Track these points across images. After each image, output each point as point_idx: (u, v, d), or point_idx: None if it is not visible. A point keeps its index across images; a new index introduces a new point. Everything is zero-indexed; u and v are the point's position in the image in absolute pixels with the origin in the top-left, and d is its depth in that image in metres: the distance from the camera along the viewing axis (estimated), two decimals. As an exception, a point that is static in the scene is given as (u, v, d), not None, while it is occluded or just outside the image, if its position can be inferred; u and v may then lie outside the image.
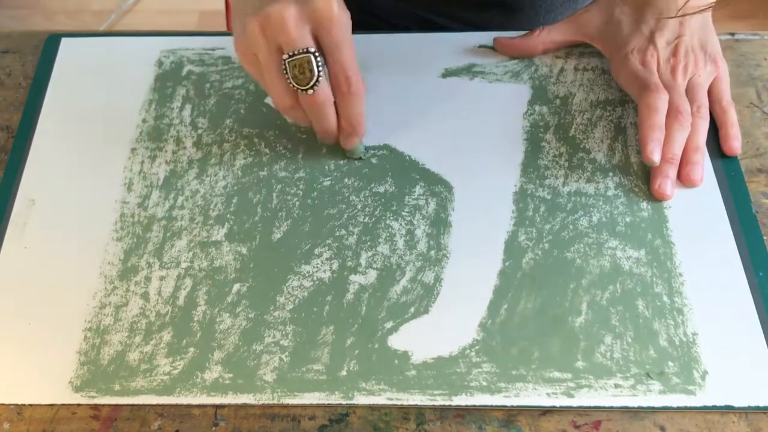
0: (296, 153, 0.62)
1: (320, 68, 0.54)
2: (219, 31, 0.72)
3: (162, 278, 0.56)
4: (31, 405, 0.51)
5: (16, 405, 0.51)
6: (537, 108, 0.64)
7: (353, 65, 0.55)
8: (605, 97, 0.65)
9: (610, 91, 0.65)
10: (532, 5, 0.79)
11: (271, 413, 0.51)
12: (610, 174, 0.60)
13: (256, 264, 0.56)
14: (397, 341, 0.53)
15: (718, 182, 0.60)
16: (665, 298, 0.54)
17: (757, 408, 0.50)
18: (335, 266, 0.56)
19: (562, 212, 0.58)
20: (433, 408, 0.50)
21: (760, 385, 0.50)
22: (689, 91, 0.61)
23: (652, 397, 0.50)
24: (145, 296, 0.55)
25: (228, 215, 0.59)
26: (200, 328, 0.53)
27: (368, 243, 0.57)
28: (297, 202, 0.59)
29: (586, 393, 0.50)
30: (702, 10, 0.57)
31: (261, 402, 0.50)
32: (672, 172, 0.59)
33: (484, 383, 0.51)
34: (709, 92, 0.63)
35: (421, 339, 0.53)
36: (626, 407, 0.50)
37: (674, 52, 0.62)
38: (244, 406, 0.51)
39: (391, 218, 0.58)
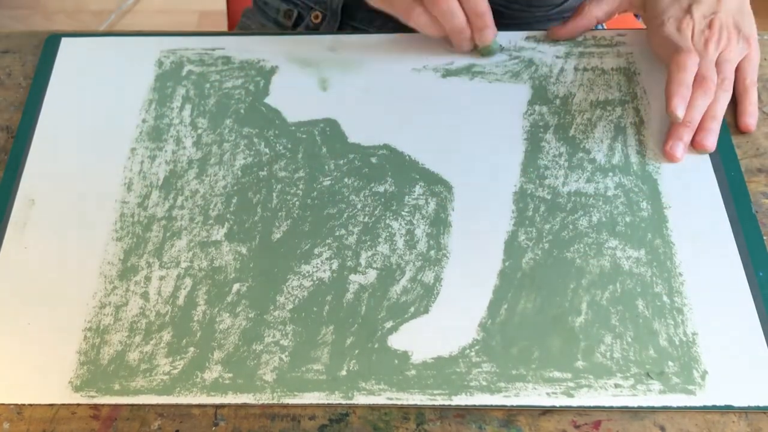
0: (296, 153, 0.62)
1: None
2: (219, 31, 0.72)
3: (162, 278, 0.56)
4: (31, 405, 0.51)
5: (16, 405, 0.51)
6: (537, 108, 0.64)
7: None
8: (605, 97, 0.65)
9: (610, 91, 0.65)
10: None
11: (271, 413, 0.51)
12: (610, 174, 0.60)
13: (256, 264, 0.56)
14: (397, 341, 0.53)
15: (718, 182, 0.60)
16: (665, 298, 0.54)
17: (757, 408, 0.50)
18: (335, 266, 0.56)
19: (561, 212, 0.58)
20: (433, 408, 0.50)
21: (760, 385, 0.50)
22: (717, 65, 0.63)
23: (652, 396, 0.50)
24: (144, 296, 0.55)
25: (228, 215, 0.59)
26: (200, 328, 0.53)
27: (368, 243, 0.57)
28: (297, 202, 0.59)
29: (586, 393, 0.50)
30: None
31: (261, 402, 0.50)
32: (687, 135, 0.61)
33: (484, 383, 0.51)
34: (736, 70, 0.64)
35: (421, 339, 0.53)
36: (626, 407, 0.50)
37: (709, 25, 0.63)
38: (244, 405, 0.51)
39: (391, 218, 0.58)
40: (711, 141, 0.61)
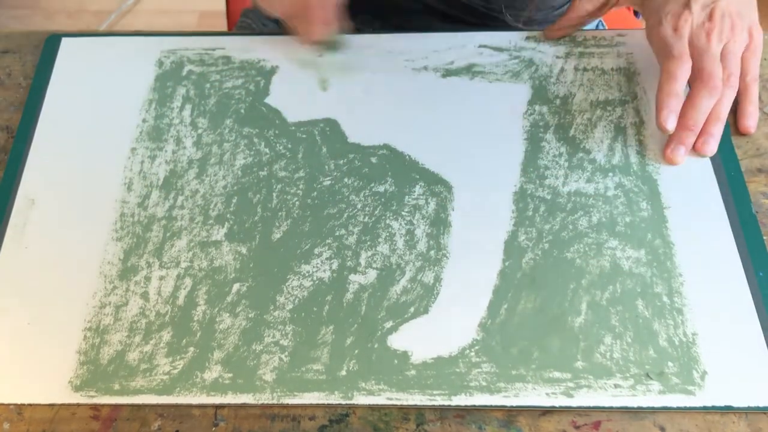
0: (296, 153, 0.62)
1: None
2: (219, 31, 0.72)
3: (162, 278, 0.56)
4: (31, 405, 0.51)
5: (16, 405, 0.51)
6: (537, 108, 0.64)
7: None
8: (605, 97, 0.65)
9: (610, 91, 0.65)
10: None
11: (271, 413, 0.51)
12: (610, 174, 0.60)
13: (256, 264, 0.56)
14: (396, 341, 0.53)
15: (718, 182, 0.60)
16: (665, 298, 0.54)
17: (757, 408, 0.50)
18: (335, 266, 0.56)
19: (561, 212, 0.58)
20: (433, 408, 0.50)
21: (760, 385, 0.50)
22: (723, 58, 0.60)
23: (651, 397, 0.50)
24: (144, 296, 0.55)
25: (228, 215, 0.59)
26: (200, 328, 0.53)
27: (368, 243, 0.57)
28: (297, 202, 0.59)
29: (586, 393, 0.50)
30: None
31: (261, 402, 0.50)
32: (689, 139, 0.60)
33: (484, 383, 0.51)
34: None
35: (420, 339, 0.53)
36: (626, 407, 0.50)
37: (710, 16, 0.60)
38: (244, 406, 0.51)
39: (391, 218, 0.58)
40: (712, 146, 0.60)
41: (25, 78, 0.69)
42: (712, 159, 0.61)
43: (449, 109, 0.64)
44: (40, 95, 0.66)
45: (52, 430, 0.50)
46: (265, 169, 0.61)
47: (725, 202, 0.58)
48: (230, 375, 0.51)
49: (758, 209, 0.59)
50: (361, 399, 0.50)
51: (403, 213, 0.59)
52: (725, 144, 0.62)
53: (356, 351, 0.52)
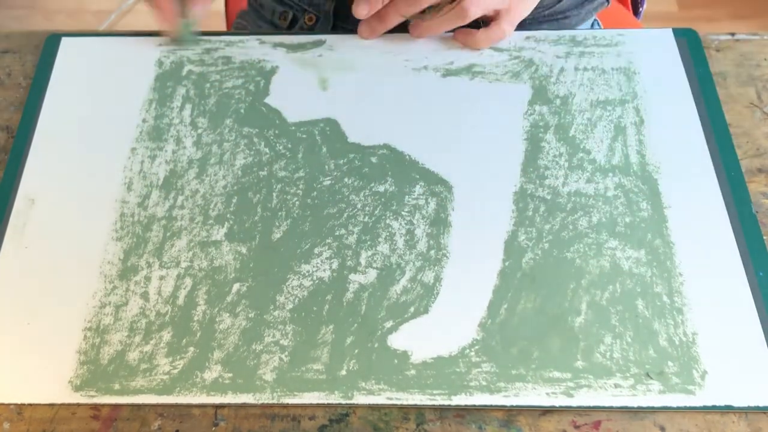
0: (296, 152, 0.62)
1: None
2: (219, 31, 0.72)
3: (162, 278, 0.56)
4: (31, 405, 0.51)
5: (16, 405, 0.51)
6: (537, 108, 0.64)
7: None
8: (605, 97, 0.65)
9: (610, 91, 0.65)
10: None
11: (271, 413, 0.51)
12: (610, 174, 0.60)
13: (256, 263, 0.56)
14: (396, 341, 0.53)
15: (719, 182, 0.60)
16: (665, 298, 0.54)
17: (757, 408, 0.50)
18: (335, 266, 0.56)
19: (561, 212, 0.58)
20: (433, 408, 0.50)
21: (760, 385, 0.50)
22: None
23: (651, 396, 0.50)
24: (144, 296, 0.55)
25: (228, 215, 0.59)
26: (200, 328, 0.53)
27: (368, 242, 0.57)
28: (297, 202, 0.59)
29: (586, 393, 0.50)
30: None
31: (261, 402, 0.51)
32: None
33: (484, 383, 0.51)
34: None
35: (420, 339, 0.53)
36: (626, 407, 0.50)
37: None
38: (244, 406, 0.51)
39: (391, 218, 0.58)
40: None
41: (25, 78, 0.69)
42: (713, 159, 0.61)
43: (449, 109, 0.64)
44: (40, 95, 0.66)
45: (52, 430, 0.50)
46: (265, 168, 0.61)
47: (725, 202, 0.58)
48: (230, 375, 0.51)
49: (758, 209, 0.59)
50: (361, 399, 0.50)
51: (403, 213, 0.59)
52: (725, 144, 0.62)
53: (356, 351, 0.52)
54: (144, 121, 0.64)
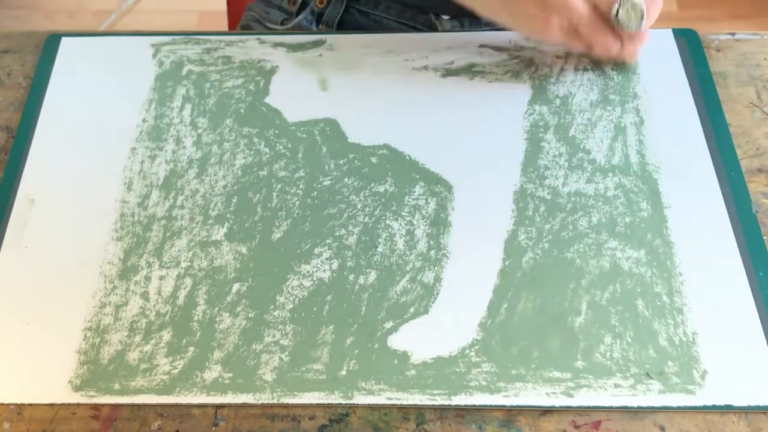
0: (296, 152, 0.62)
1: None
2: (219, 31, 0.72)
3: (162, 278, 0.56)
4: (31, 405, 0.51)
5: (16, 405, 0.51)
6: (537, 108, 0.64)
7: None
8: (605, 97, 0.65)
9: (610, 91, 0.65)
10: None
11: (271, 413, 0.51)
12: (610, 174, 0.60)
13: (256, 263, 0.56)
14: (396, 341, 0.53)
15: (719, 182, 0.60)
16: (665, 298, 0.54)
17: (757, 408, 0.50)
18: (335, 266, 0.56)
19: (561, 212, 0.58)
20: (433, 408, 0.50)
21: (760, 385, 0.50)
22: None
23: (651, 396, 0.50)
24: (144, 296, 0.55)
25: (228, 215, 0.59)
26: (200, 328, 0.53)
27: (368, 243, 0.57)
28: (297, 202, 0.59)
29: (586, 393, 0.50)
30: None
31: (260, 401, 0.50)
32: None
33: (484, 383, 0.51)
34: None
35: (420, 339, 0.53)
36: (626, 407, 0.50)
37: None
38: (244, 406, 0.51)
39: (391, 218, 0.58)
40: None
41: (25, 78, 0.69)
42: (713, 159, 0.61)
43: (449, 109, 0.64)
44: (40, 95, 0.66)
45: (52, 430, 0.50)
46: (265, 168, 0.61)
47: (725, 201, 0.58)
48: (230, 375, 0.51)
49: (758, 209, 0.59)
50: (360, 399, 0.50)
51: (403, 213, 0.59)
52: (725, 144, 0.62)
53: (356, 351, 0.52)
54: (144, 120, 0.64)
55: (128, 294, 0.55)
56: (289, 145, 0.63)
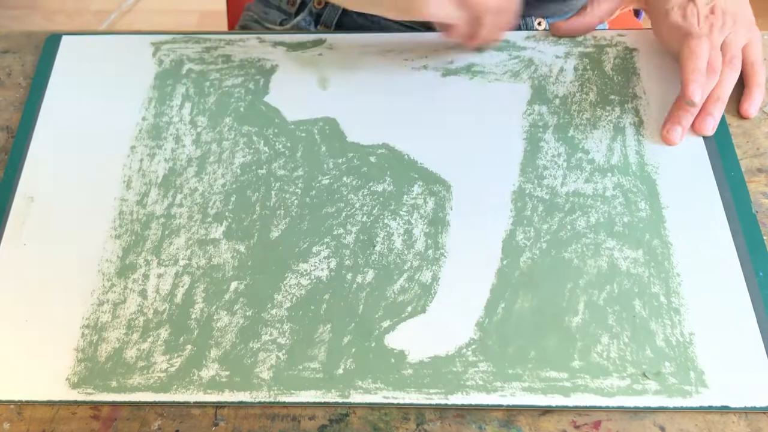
0: (295, 151, 0.62)
1: None
2: (219, 31, 0.72)
3: (160, 276, 0.56)
4: (31, 405, 0.51)
5: (16, 405, 0.51)
6: (536, 108, 0.64)
7: None
8: (604, 97, 0.65)
9: (610, 91, 0.65)
10: None
11: (271, 413, 0.51)
12: (609, 174, 0.60)
13: (254, 262, 0.56)
14: (394, 340, 0.53)
15: (718, 182, 0.60)
16: (662, 298, 0.54)
17: (754, 409, 0.49)
18: (333, 265, 0.56)
19: (560, 212, 0.58)
20: (433, 408, 0.50)
21: (757, 386, 0.50)
22: (724, 45, 0.63)
23: (648, 397, 0.50)
24: (143, 294, 0.55)
25: (226, 213, 0.59)
26: (198, 326, 0.53)
27: (366, 242, 0.57)
28: (295, 201, 0.59)
29: (582, 393, 0.50)
30: None
31: (258, 400, 0.50)
32: (686, 120, 0.62)
33: (481, 382, 0.51)
34: (743, 53, 0.65)
35: (418, 338, 0.53)
36: (622, 407, 0.50)
37: (711, 11, 0.63)
38: (244, 405, 0.51)
39: (390, 217, 0.58)
40: (710, 125, 0.62)
41: (25, 78, 0.69)
42: (712, 159, 0.61)
43: (448, 109, 0.64)
44: (40, 95, 0.66)
45: (52, 430, 0.50)
46: (264, 167, 0.61)
47: (725, 202, 0.58)
48: (227, 373, 0.51)
49: (758, 209, 0.59)
50: (357, 397, 0.50)
51: (401, 212, 0.59)
52: (725, 144, 0.62)
53: (353, 350, 0.52)
54: (144, 119, 0.64)
55: (126, 292, 0.55)
56: (288, 144, 0.63)
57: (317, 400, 0.50)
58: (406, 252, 0.57)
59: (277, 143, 0.63)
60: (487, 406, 0.50)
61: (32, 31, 0.73)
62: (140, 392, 0.51)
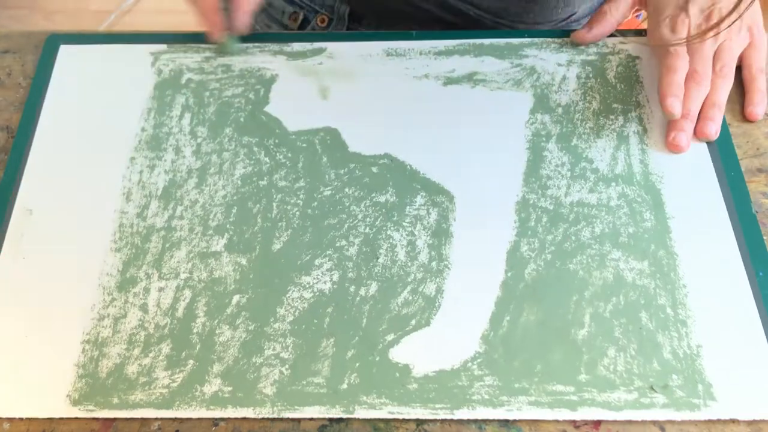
0: (296, 162, 0.62)
1: None
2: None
3: (161, 289, 0.55)
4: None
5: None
6: (539, 117, 0.64)
7: None
8: (608, 106, 0.64)
9: (613, 99, 0.64)
10: None
11: (272, 415, 0.51)
12: (613, 184, 0.59)
13: (256, 275, 0.56)
14: (398, 354, 0.52)
15: (718, 182, 0.59)
16: (669, 310, 0.53)
17: (763, 421, 0.49)
18: (336, 277, 0.56)
19: (564, 223, 0.58)
20: None
21: (765, 398, 0.50)
22: (718, 53, 0.63)
23: (655, 411, 0.49)
24: (143, 308, 0.54)
25: (227, 225, 0.58)
26: (199, 341, 0.53)
27: (369, 254, 0.56)
28: (297, 212, 0.59)
29: (589, 406, 0.50)
30: None
31: (261, 416, 0.50)
32: (687, 125, 0.61)
33: (486, 396, 0.50)
34: (742, 58, 0.65)
35: (422, 352, 0.52)
36: (630, 421, 0.49)
37: (707, 18, 0.63)
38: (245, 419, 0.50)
39: (392, 229, 0.58)
40: (712, 129, 0.61)
41: (25, 78, 0.68)
42: (713, 159, 0.60)
43: (450, 118, 0.64)
44: (40, 95, 0.66)
45: (51, 430, 0.50)
46: (265, 178, 0.61)
47: (725, 202, 0.58)
48: (230, 388, 0.51)
49: (758, 209, 0.58)
50: (362, 413, 0.50)
51: (404, 224, 0.58)
52: (725, 144, 0.61)
53: (357, 364, 0.52)
54: (143, 130, 0.64)
55: (127, 306, 0.55)
56: (290, 155, 0.62)
57: (321, 415, 0.50)
58: (409, 264, 0.56)
59: (278, 154, 0.62)
60: (494, 420, 0.50)
61: (32, 31, 0.72)
62: (142, 409, 0.50)
